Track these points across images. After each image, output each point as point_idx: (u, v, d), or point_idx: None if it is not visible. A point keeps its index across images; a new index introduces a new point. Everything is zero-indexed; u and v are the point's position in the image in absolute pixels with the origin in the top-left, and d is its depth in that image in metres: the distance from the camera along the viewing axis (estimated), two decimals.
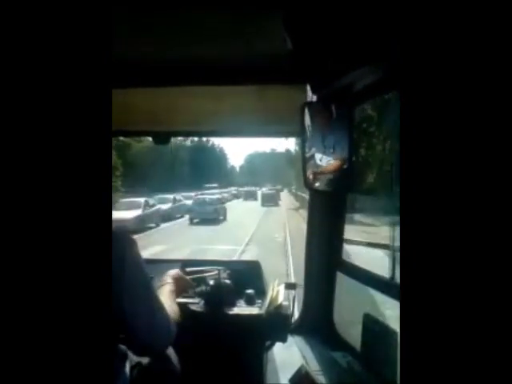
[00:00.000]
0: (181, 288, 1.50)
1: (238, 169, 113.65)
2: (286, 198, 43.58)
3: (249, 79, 1.48)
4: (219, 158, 76.28)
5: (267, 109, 1.73)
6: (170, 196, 23.94)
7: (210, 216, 19.16)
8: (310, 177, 1.53)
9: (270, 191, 39.80)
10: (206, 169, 59.91)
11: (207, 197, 22.24)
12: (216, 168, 67.90)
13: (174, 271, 1.54)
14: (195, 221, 19.24)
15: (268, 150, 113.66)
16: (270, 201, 33.20)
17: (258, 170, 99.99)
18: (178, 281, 1.48)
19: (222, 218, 20.16)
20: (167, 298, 1.30)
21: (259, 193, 42.81)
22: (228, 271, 1.76)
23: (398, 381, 1.26)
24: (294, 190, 44.30)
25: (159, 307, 1.11)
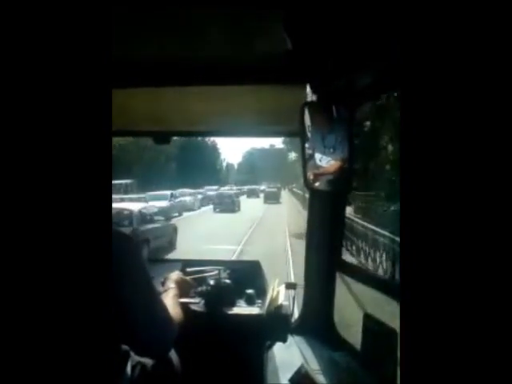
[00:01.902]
0: (184, 291, 1.51)
1: (236, 166, 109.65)
2: (286, 201, 37.26)
3: (249, 79, 1.48)
4: (211, 153, 67.65)
5: (267, 109, 1.73)
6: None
7: (229, 206, 24.97)
8: (310, 177, 1.54)
9: (272, 189, 41.98)
10: (197, 165, 52.95)
11: (226, 192, 30.01)
12: (208, 165, 60.87)
13: (176, 275, 1.55)
14: (217, 210, 24.98)
15: (267, 146, 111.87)
16: (273, 198, 36.01)
17: (256, 168, 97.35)
18: (180, 284, 1.49)
19: (237, 208, 26.01)
20: (170, 301, 1.31)
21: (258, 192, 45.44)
22: (228, 271, 1.77)
23: (398, 381, 1.26)
24: (296, 190, 38.61)
25: (160, 309, 1.11)
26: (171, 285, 1.46)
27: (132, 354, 1.19)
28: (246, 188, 51.55)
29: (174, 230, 12.52)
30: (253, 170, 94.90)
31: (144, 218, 10.83)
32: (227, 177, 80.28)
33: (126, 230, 9.04)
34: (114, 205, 11.44)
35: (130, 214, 10.43)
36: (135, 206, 11.11)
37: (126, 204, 12.30)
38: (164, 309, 1.12)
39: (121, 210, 10.61)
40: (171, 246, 11.78)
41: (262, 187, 51.90)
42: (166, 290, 1.42)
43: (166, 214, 14.36)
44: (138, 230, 10.00)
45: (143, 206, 12.13)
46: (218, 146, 70.11)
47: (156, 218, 11.56)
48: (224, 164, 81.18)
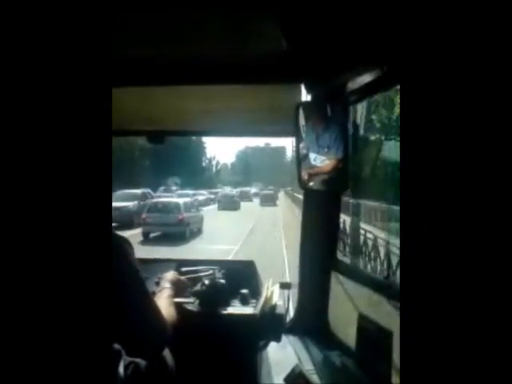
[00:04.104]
0: (178, 291, 1.51)
1: (229, 166, 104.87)
2: (282, 204, 34.72)
3: (244, 78, 1.48)
4: (196, 150, 57.52)
5: (262, 108, 1.73)
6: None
7: (232, 205, 29.11)
8: (305, 177, 1.54)
9: (268, 192, 41.81)
10: (177, 163, 44.72)
11: (229, 193, 35.09)
12: (192, 163, 51.40)
13: (171, 275, 1.54)
14: (221, 208, 29.20)
15: (262, 145, 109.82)
16: (269, 200, 35.96)
17: (250, 168, 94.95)
18: (175, 284, 1.49)
19: (237, 207, 30.08)
20: (164, 301, 1.31)
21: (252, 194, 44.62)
22: (223, 271, 1.76)
23: (392, 380, 1.26)
24: (296, 194, 31.33)
25: (153, 309, 1.11)
26: (166, 284, 1.45)
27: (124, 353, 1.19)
28: (235, 191, 46.17)
29: (202, 219, 17.62)
30: (247, 171, 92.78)
31: (186, 207, 16.12)
32: (216, 177, 71.36)
33: (177, 216, 15.03)
34: (166, 199, 18.96)
35: (179, 205, 15.88)
36: (181, 200, 17.58)
37: (174, 198, 19.33)
38: (157, 309, 1.12)
39: (172, 202, 16.74)
40: (199, 231, 16.56)
41: (253, 190, 50.39)
42: (160, 290, 1.42)
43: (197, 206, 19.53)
44: (184, 216, 15.24)
45: (186, 199, 18.40)
46: (204, 140, 60.89)
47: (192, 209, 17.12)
48: (214, 163, 72.31)
